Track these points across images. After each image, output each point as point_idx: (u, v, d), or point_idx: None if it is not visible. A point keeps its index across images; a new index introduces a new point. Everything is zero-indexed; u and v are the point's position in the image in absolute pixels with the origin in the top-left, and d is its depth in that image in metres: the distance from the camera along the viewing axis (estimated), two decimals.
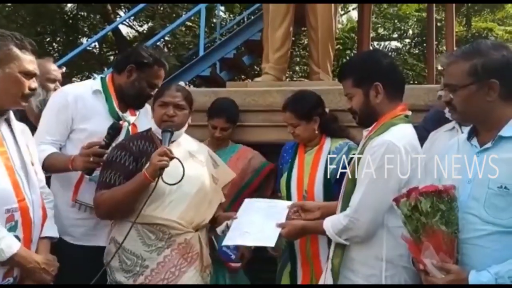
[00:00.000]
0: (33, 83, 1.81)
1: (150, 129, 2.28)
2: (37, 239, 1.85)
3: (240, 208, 2.28)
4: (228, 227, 2.19)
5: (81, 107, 2.37)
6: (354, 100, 1.94)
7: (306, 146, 2.57)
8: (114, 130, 2.25)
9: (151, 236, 2.10)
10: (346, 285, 1.85)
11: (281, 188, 2.58)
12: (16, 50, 1.76)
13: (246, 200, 2.33)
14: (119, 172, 2.11)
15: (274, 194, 2.74)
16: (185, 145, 2.29)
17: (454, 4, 5.64)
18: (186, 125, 2.29)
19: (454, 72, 1.59)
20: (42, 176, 1.98)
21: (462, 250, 1.54)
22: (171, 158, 2.02)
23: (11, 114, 1.88)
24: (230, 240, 2.13)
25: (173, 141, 2.19)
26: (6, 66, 1.74)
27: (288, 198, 2.50)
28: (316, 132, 2.53)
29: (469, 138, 1.66)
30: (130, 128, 2.44)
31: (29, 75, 1.79)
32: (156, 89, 2.41)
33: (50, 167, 2.25)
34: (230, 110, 2.86)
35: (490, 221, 1.51)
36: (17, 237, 1.73)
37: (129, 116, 2.45)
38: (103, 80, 2.47)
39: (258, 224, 2.14)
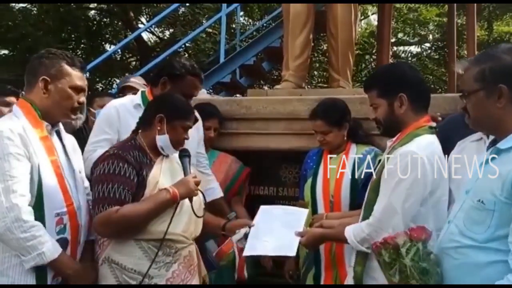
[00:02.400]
0: (82, 97, 1.96)
1: (135, 138, 2.14)
2: (84, 241, 1.99)
3: (256, 216, 2.27)
4: (246, 235, 2.17)
5: (124, 121, 2.46)
6: (379, 110, 1.97)
7: (331, 152, 2.60)
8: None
9: (158, 253, 1.99)
10: (341, 285, 1.87)
11: (305, 194, 2.61)
12: (67, 67, 1.92)
13: (262, 207, 2.31)
14: (127, 186, 1.96)
15: (250, 196, 2.87)
16: (173, 156, 2.20)
17: (475, 8, 5.58)
18: None
19: (466, 78, 1.56)
20: (87, 183, 2.12)
21: (441, 258, 1.56)
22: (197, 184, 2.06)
23: (61, 126, 2.04)
24: (250, 250, 2.12)
25: (167, 156, 2.14)
26: (58, 82, 1.90)
27: (314, 203, 2.54)
28: (345, 138, 2.57)
29: (488, 148, 1.62)
30: None
31: (78, 90, 1.94)
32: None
33: None
34: (219, 112, 3.02)
35: (464, 233, 1.49)
36: (65, 239, 1.87)
37: None
38: (143, 94, 2.56)
39: (277, 233, 2.14)
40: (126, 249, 1.97)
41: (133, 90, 3.19)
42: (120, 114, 2.49)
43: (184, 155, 2.14)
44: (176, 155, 2.21)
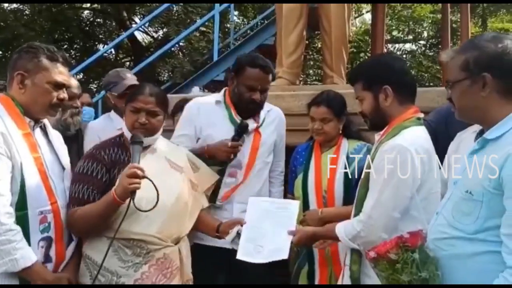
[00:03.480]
0: (62, 94, 1.87)
1: (123, 135, 2.13)
2: (70, 240, 1.93)
3: (247, 211, 2.21)
4: (238, 234, 2.13)
5: (204, 117, 2.52)
6: (365, 103, 1.94)
7: (322, 146, 2.57)
8: (241, 128, 2.43)
9: (127, 252, 1.95)
10: (342, 285, 1.86)
11: (296, 189, 2.57)
12: (45, 62, 1.83)
13: (251, 199, 2.25)
14: (92, 186, 1.96)
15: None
16: (161, 150, 2.15)
17: (469, 5, 5.58)
18: (161, 130, 2.15)
19: (451, 67, 1.52)
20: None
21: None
22: (142, 177, 1.85)
23: (46, 121, 1.97)
24: (246, 256, 2.08)
25: (148, 147, 2.07)
26: (35, 77, 1.82)
27: (305, 199, 2.50)
28: (340, 132, 2.55)
29: (476, 139, 1.56)
30: (249, 136, 2.51)
31: (57, 85, 1.85)
32: (256, 92, 2.43)
33: None
34: None
35: (452, 224, 1.46)
36: (49, 237, 1.82)
37: (250, 123, 2.51)
38: (225, 91, 2.60)
39: (270, 234, 2.11)
40: (98, 246, 1.95)
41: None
42: (201, 111, 2.53)
43: (134, 141, 1.96)
44: (164, 148, 2.17)
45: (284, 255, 2.04)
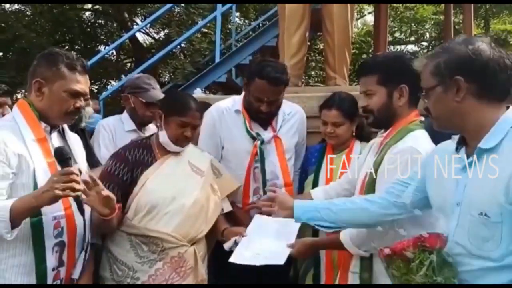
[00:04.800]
0: (79, 102, 1.86)
1: (150, 137, 2.25)
2: (81, 243, 1.89)
3: (250, 225, 2.23)
4: (236, 243, 2.14)
5: (224, 126, 2.46)
6: (375, 98, 1.84)
7: (335, 149, 2.52)
8: (59, 157, 1.73)
9: (144, 248, 2.06)
10: (342, 285, 1.82)
11: (306, 188, 2.53)
12: (64, 70, 1.82)
13: (257, 216, 2.27)
14: (113, 184, 2.06)
15: None
16: (185, 153, 2.23)
17: (472, 6, 5.55)
18: None
19: (423, 75, 1.44)
20: None
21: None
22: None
23: (66, 126, 1.96)
24: (238, 258, 2.06)
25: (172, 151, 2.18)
26: (52, 85, 1.82)
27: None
28: (353, 134, 2.50)
29: (457, 149, 1.44)
30: (268, 146, 2.45)
31: (74, 94, 1.84)
32: (263, 102, 2.36)
33: None
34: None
35: (474, 253, 1.32)
36: (63, 242, 1.81)
37: (265, 134, 2.46)
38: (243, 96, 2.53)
39: (268, 244, 2.10)
40: (118, 240, 2.07)
41: None
42: (222, 120, 2.48)
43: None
44: (189, 152, 2.23)
45: (280, 261, 2.00)
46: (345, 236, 1.87)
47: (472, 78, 1.33)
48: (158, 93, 2.75)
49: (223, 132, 2.47)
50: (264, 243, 2.11)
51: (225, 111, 2.50)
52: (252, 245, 2.11)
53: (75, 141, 2.00)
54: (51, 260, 1.76)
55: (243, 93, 2.54)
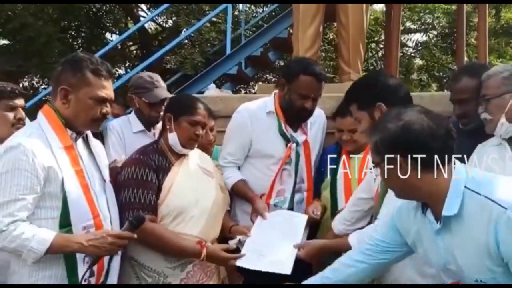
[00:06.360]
0: (105, 108, 1.84)
1: (158, 142, 2.25)
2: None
3: (255, 222, 2.26)
4: (241, 242, 2.16)
5: (256, 129, 2.44)
6: (363, 123, 1.91)
7: (351, 152, 2.52)
8: (138, 222, 1.82)
9: None
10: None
11: (324, 189, 2.55)
12: (89, 76, 1.80)
13: (259, 218, 2.30)
14: (151, 191, 2.07)
15: None
16: (191, 157, 2.26)
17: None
18: None
19: (371, 150, 1.48)
20: None
21: None
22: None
23: (89, 133, 1.95)
24: (246, 262, 2.08)
25: (183, 155, 2.21)
26: (78, 92, 1.80)
27: (334, 200, 2.47)
28: None
29: (423, 210, 1.47)
30: (300, 148, 2.45)
31: (101, 101, 1.83)
32: (305, 100, 2.36)
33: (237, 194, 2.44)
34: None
35: None
36: None
37: (299, 136, 2.45)
38: (274, 96, 2.49)
39: (274, 245, 2.11)
40: (143, 249, 2.05)
41: None
42: (253, 124, 2.46)
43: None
44: (194, 155, 2.25)
45: (286, 270, 2.01)
46: (352, 239, 1.89)
47: (408, 154, 1.35)
48: (162, 92, 2.70)
49: (255, 133, 2.45)
50: (269, 242, 2.12)
51: (256, 113, 2.48)
52: (258, 245, 2.12)
53: (98, 148, 2.00)
54: (82, 271, 1.75)
55: (272, 94, 2.51)
